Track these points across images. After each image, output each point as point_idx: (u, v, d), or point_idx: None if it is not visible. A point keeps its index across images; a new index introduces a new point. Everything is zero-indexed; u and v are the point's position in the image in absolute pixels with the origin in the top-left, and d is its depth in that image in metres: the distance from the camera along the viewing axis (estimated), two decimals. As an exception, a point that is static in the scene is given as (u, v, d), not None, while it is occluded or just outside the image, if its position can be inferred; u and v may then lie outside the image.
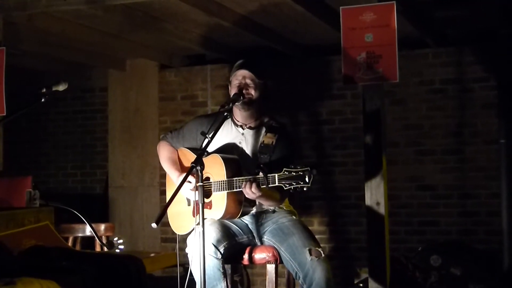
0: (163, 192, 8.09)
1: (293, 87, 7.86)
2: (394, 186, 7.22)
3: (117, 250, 3.57)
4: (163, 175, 8.04)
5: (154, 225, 3.54)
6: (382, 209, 4.96)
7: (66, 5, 5.74)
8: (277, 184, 4.05)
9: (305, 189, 3.99)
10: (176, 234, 4.63)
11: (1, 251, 2.89)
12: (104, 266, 2.85)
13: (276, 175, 4.05)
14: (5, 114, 5.77)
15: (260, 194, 4.10)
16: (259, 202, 4.42)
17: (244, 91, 4.49)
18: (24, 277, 2.51)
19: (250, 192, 4.10)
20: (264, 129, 4.56)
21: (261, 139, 4.51)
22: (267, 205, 4.46)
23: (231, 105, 4.42)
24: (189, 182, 4.21)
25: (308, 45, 7.82)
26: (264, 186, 4.09)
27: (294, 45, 7.72)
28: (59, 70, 8.36)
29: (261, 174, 4.10)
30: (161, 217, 3.62)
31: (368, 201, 5.01)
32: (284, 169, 4.03)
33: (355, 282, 7.10)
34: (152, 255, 3.45)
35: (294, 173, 4.00)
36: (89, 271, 2.75)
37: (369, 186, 5.00)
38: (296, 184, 3.99)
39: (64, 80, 4.70)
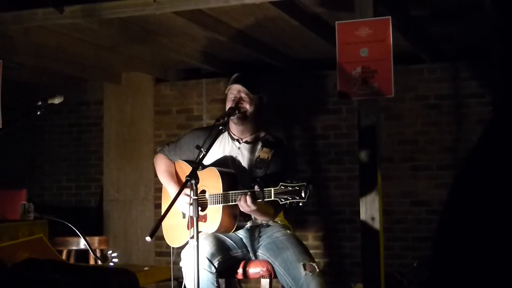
0: (158, 206, 8.08)
1: (288, 102, 7.86)
2: (389, 202, 7.22)
3: (111, 264, 3.56)
4: (157, 188, 8.04)
5: (148, 238, 3.53)
6: (377, 224, 4.95)
7: (62, 18, 5.75)
8: (273, 198, 4.05)
9: (300, 204, 3.99)
10: (170, 248, 4.63)
11: (-6, 264, 2.89)
12: (97, 280, 2.84)
13: (272, 189, 4.05)
14: (0, 127, 5.76)
15: (255, 208, 4.10)
16: (254, 217, 4.41)
17: (239, 105, 4.49)
18: (17, 290, 2.51)
19: (245, 205, 4.10)
20: (260, 144, 4.56)
21: (256, 153, 4.51)
22: (260, 219, 4.46)
23: (226, 118, 4.43)
24: (187, 195, 4.20)
25: (303, 60, 7.84)
26: (260, 200, 4.08)
27: (289, 60, 7.73)
28: (54, 83, 8.35)
29: (257, 188, 4.10)
30: (155, 230, 3.62)
31: (363, 216, 5.00)
32: (280, 183, 4.02)
33: (350, 297, 7.10)
34: (146, 268, 3.44)
35: (290, 188, 4.00)
36: (82, 285, 2.74)
37: (364, 201, 4.99)
38: (292, 199, 3.99)
39: (59, 93, 4.71)
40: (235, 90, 4.56)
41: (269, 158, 4.46)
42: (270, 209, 4.34)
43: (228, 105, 4.53)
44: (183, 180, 4.50)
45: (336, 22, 5.03)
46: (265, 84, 4.74)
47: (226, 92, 4.65)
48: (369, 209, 4.98)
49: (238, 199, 4.14)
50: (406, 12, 6.09)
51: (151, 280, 3.33)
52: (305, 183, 3.98)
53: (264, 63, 7.50)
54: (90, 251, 4.24)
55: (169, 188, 4.63)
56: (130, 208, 8.46)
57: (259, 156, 4.48)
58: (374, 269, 4.98)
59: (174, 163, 4.75)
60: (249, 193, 4.10)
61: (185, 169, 4.60)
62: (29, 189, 5.61)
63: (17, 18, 5.91)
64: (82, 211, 8.81)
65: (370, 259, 5.01)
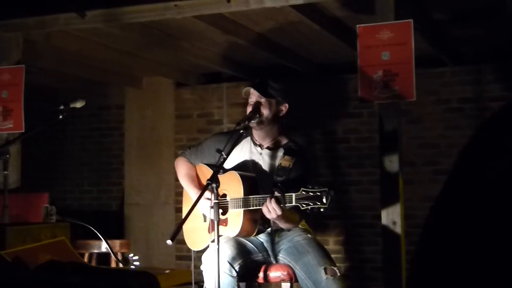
0: (179, 210, 8.10)
1: (308, 106, 7.85)
2: (410, 206, 7.18)
3: (132, 267, 3.57)
4: (178, 192, 8.05)
5: (169, 241, 3.53)
6: (398, 229, 4.92)
7: (84, 23, 5.79)
8: (294, 203, 4.04)
9: (322, 210, 3.97)
10: (191, 251, 4.63)
11: (17, 266, 2.90)
12: (118, 282, 2.85)
13: (294, 194, 4.03)
14: (23, 131, 5.81)
15: (280, 213, 4.06)
16: (272, 224, 4.39)
17: (257, 110, 4.49)
18: (39, 292, 2.52)
19: (270, 210, 4.06)
20: (282, 151, 4.54)
21: (278, 161, 4.49)
22: (285, 226, 4.43)
23: (246, 123, 4.42)
24: (208, 199, 4.20)
25: (324, 64, 7.83)
26: (282, 206, 4.06)
27: (310, 64, 7.73)
28: (76, 87, 8.39)
29: (277, 193, 4.08)
30: (176, 233, 3.62)
31: (385, 220, 4.97)
32: (301, 189, 4.01)
33: (371, 301, 7.07)
34: (167, 271, 3.44)
35: (311, 193, 3.98)
36: (103, 287, 2.75)
37: (386, 205, 4.96)
38: (313, 205, 3.97)
39: (81, 97, 4.73)
40: (252, 95, 4.56)
41: (291, 166, 4.44)
42: (295, 215, 4.33)
43: (248, 109, 4.53)
44: (204, 183, 4.51)
45: (357, 25, 5.01)
46: (283, 88, 4.71)
47: (244, 96, 4.65)
48: (391, 213, 4.95)
49: (263, 205, 4.11)
50: (427, 15, 6.06)
51: (172, 283, 3.33)
52: (326, 189, 3.96)
53: (284, 67, 7.49)
54: (111, 254, 4.26)
55: (190, 192, 4.63)
56: (151, 212, 8.48)
57: (281, 163, 4.47)
58: (395, 273, 4.95)
59: (195, 166, 4.75)
60: (273, 197, 4.07)
61: (206, 173, 4.59)
62: (51, 193, 5.64)
63: (39, 23, 5.96)
64: (103, 215, 8.84)
65: (391, 263, 4.98)
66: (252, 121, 4.45)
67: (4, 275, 2.84)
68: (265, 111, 4.50)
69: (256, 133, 4.60)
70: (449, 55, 7.21)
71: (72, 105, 4.70)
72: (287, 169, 4.43)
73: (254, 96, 4.54)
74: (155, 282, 2.99)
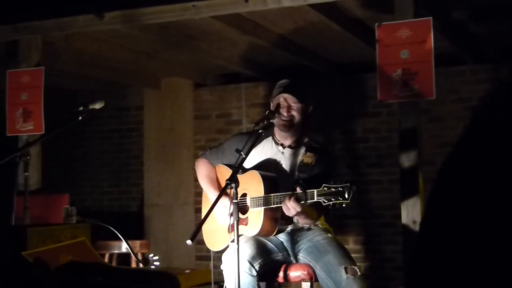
0: (198, 210, 8.10)
1: (327, 105, 7.83)
2: (430, 205, 7.15)
3: (153, 267, 3.58)
4: (198, 193, 8.05)
5: (189, 241, 3.54)
6: (418, 228, 4.91)
7: (102, 25, 5.81)
8: (315, 199, 4.03)
9: (344, 205, 3.97)
10: (210, 252, 4.64)
11: (38, 267, 2.91)
12: (139, 282, 2.86)
13: (315, 190, 4.03)
14: (43, 133, 5.83)
15: (299, 210, 4.08)
16: (295, 220, 4.40)
17: (286, 113, 4.47)
18: (61, 292, 2.53)
19: (289, 207, 4.07)
20: (304, 149, 4.54)
21: (300, 158, 4.50)
22: (303, 223, 4.44)
23: (266, 122, 4.41)
24: (225, 206, 4.22)
25: (343, 63, 7.81)
26: (303, 202, 4.07)
27: (328, 63, 7.71)
28: (95, 89, 8.42)
29: (299, 189, 4.08)
30: (196, 233, 3.62)
31: (405, 219, 4.95)
32: (323, 185, 4.01)
33: (391, 301, 7.05)
34: (187, 271, 3.45)
35: (333, 189, 3.98)
36: (124, 287, 2.76)
37: (406, 204, 4.95)
38: (335, 200, 3.97)
39: (100, 99, 4.75)
40: (283, 99, 4.53)
41: (313, 163, 4.44)
42: (314, 212, 4.33)
43: (284, 112, 4.51)
44: (223, 184, 4.51)
45: (376, 24, 5.00)
46: (310, 92, 4.71)
47: (272, 98, 4.62)
48: (411, 212, 4.93)
49: (283, 202, 4.12)
50: (447, 13, 6.03)
51: (192, 283, 3.34)
52: (348, 184, 3.97)
53: (303, 66, 7.48)
54: (131, 254, 4.27)
55: (210, 194, 4.63)
56: (170, 212, 8.50)
57: (303, 160, 4.47)
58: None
59: (215, 168, 4.75)
60: (292, 195, 4.08)
61: (225, 174, 4.58)
62: (71, 194, 5.66)
63: (58, 25, 5.99)
64: (123, 216, 8.86)
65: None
66: (272, 120, 4.44)
67: (26, 276, 2.85)
68: (297, 115, 4.49)
69: (278, 133, 4.60)
70: (469, 53, 7.17)
71: (91, 107, 4.71)
72: (309, 166, 4.43)
73: (284, 99, 4.51)
74: (175, 282, 2.99)
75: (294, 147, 4.59)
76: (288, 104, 4.50)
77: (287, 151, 4.57)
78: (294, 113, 4.50)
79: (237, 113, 8.38)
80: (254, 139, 4.28)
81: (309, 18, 5.88)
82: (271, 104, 4.60)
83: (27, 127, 5.97)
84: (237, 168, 4.05)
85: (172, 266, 7.65)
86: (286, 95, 4.52)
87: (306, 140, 4.64)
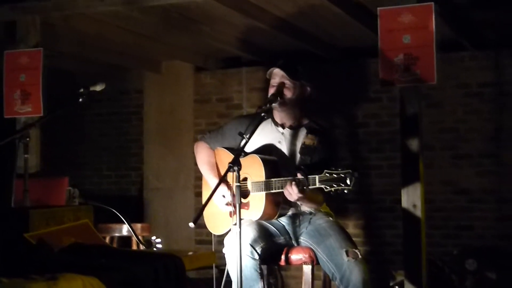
0: (198, 194, 8.10)
1: (329, 90, 7.83)
2: (430, 190, 7.14)
3: (155, 249, 3.58)
4: (198, 177, 8.06)
5: (191, 224, 3.54)
6: (418, 212, 4.92)
7: (103, 6, 5.79)
8: (317, 186, 4.03)
9: (346, 191, 3.97)
10: (211, 236, 4.64)
11: (42, 248, 2.91)
12: (143, 264, 2.86)
13: (317, 176, 4.02)
14: (42, 115, 5.81)
15: (301, 195, 4.08)
16: (296, 203, 4.40)
17: (280, 92, 4.47)
18: (66, 273, 2.53)
19: (292, 194, 4.08)
20: (305, 130, 4.54)
21: (301, 140, 4.49)
22: (308, 207, 4.44)
23: (268, 105, 4.40)
24: (223, 196, 4.23)
25: (345, 48, 7.80)
26: (304, 188, 4.07)
27: (330, 48, 7.70)
28: (94, 71, 8.40)
29: (300, 175, 4.08)
30: (199, 217, 3.63)
31: (405, 203, 4.96)
32: (325, 170, 4.00)
33: (391, 284, 7.06)
34: (190, 253, 3.45)
35: (335, 175, 3.98)
36: (129, 269, 2.76)
37: (406, 188, 4.96)
38: (337, 186, 3.96)
39: (101, 81, 4.73)
40: (277, 76, 4.53)
41: (315, 145, 4.44)
42: (319, 196, 4.33)
43: (271, 91, 4.51)
44: (222, 169, 4.51)
45: (378, 8, 4.99)
46: (306, 72, 4.69)
47: (267, 77, 4.62)
48: (411, 196, 4.95)
49: (284, 188, 4.12)
50: (448, -1, 6.02)
51: (196, 265, 3.34)
52: (350, 170, 3.96)
53: (305, 51, 7.47)
54: (134, 236, 4.27)
55: (210, 180, 4.62)
56: (170, 196, 8.51)
57: (304, 142, 4.46)
58: (416, 256, 4.95)
59: (214, 152, 4.73)
60: (294, 182, 4.07)
61: (224, 158, 4.57)
62: (70, 177, 5.65)
63: (58, 6, 5.95)
64: (122, 200, 8.87)
65: (411, 246, 4.99)
66: (274, 104, 4.43)
67: (29, 257, 2.85)
68: (289, 93, 4.48)
69: (277, 114, 4.58)
70: (469, 39, 7.17)
71: (92, 88, 4.68)
72: (311, 148, 4.43)
73: (278, 76, 4.51)
74: (180, 263, 2.99)
75: (295, 128, 4.57)
76: (281, 81, 4.49)
77: (287, 132, 4.56)
78: (287, 91, 4.48)
79: (237, 97, 8.38)
80: (257, 122, 4.27)
81: (311, 2, 5.87)
82: (270, 85, 4.60)
83: (26, 109, 5.95)
84: (240, 151, 4.04)
85: (175, 249, 7.68)
86: (278, 72, 4.51)
87: (306, 121, 4.63)
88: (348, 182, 3.94)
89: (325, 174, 4.01)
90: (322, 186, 4.01)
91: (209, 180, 4.63)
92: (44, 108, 5.86)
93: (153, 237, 3.63)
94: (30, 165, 5.06)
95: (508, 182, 7.28)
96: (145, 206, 8.64)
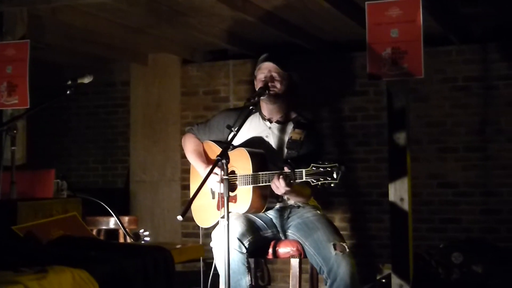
0: (185, 187, 8.12)
1: (315, 83, 7.84)
2: (416, 183, 7.19)
3: (143, 242, 3.58)
4: (184, 170, 8.07)
5: (179, 217, 3.53)
6: (406, 205, 4.94)
7: (91, -3, 5.76)
8: (304, 179, 4.03)
9: (332, 185, 3.97)
10: (197, 229, 4.63)
11: (30, 240, 2.91)
12: (133, 257, 2.85)
13: (304, 170, 4.02)
14: (29, 107, 5.79)
15: (289, 189, 4.08)
16: (284, 197, 4.40)
17: (269, 84, 4.47)
18: (55, 266, 2.52)
19: (279, 188, 4.08)
20: (292, 125, 4.53)
21: (288, 134, 4.49)
22: (296, 200, 4.45)
23: (256, 99, 4.40)
24: (216, 174, 4.18)
25: (332, 41, 7.80)
26: (291, 181, 4.07)
27: (317, 41, 7.70)
28: (81, 64, 8.37)
29: (287, 169, 4.08)
30: (187, 209, 3.62)
31: (392, 197, 4.98)
32: (312, 164, 4.00)
33: (377, 278, 7.08)
34: (178, 246, 3.45)
35: (322, 169, 3.98)
36: (118, 261, 2.75)
37: (393, 182, 4.97)
38: (323, 180, 3.96)
39: (89, 73, 4.71)
40: (265, 69, 4.52)
41: (302, 139, 4.43)
42: (306, 189, 4.33)
43: (259, 85, 4.50)
44: (212, 159, 4.50)
45: (366, 3, 5.00)
46: (293, 65, 4.69)
47: (255, 73, 4.62)
48: (398, 190, 4.96)
49: (271, 181, 4.12)
50: (435, -7, 6.04)
51: (185, 258, 3.34)
52: (337, 164, 3.96)
53: (292, 44, 7.47)
54: (122, 229, 4.26)
55: (198, 167, 4.61)
56: (156, 189, 8.50)
57: (291, 137, 4.46)
58: (402, 249, 4.97)
59: (202, 143, 4.73)
60: (281, 176, 4.07)
61: (214, 149, 4.58)
62: (55, 170, 5.63)
63: (45, -3, 5.93)
64: (108, 192, 8.83)
65: (398, 239, 5.01)
66: (262, 97, 4.43)
67: (17, 250, 2.85)
68: (278, 85, 4.47)
69: (266, 108, 4.58)
70: (456, 33, 7.19)
71: (80, 81, 4.66)
72: (298, 142, 4.42)
73: (266, 70, 4.50)
74: (169, 256, 3.00)
75: (282, 122, 4.57)
76: (270, 74, 4.48)
77: (275, 126, 4.56)
78: (277, 83, 4.48)
79: (224, 90, 8.38)
80: (245, 115, 4.27)
81: (299, -5, 5.88)
82: (255, 83, 4.59)
83: (12, 101, 5.92)
84: (228, 144, 4.04)
85: (163, 242, 7.67)
86: (268, 65, 4.51)
87: (294, 115, 4.62)
88: (334, 176, 3.95)
89: (312, 167, 4.01)
90: (309, 179, 4.01)
91: (198, 167, 4.61)
92: (31, 100, 5.83)
93: (141, 230, 3.64)
94: (16, 157, 5.03)
95: (494, 176, 7.31)
96: (131, 199, 8.62)
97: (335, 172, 3.95)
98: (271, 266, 7.96)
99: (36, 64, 6.01)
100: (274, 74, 4.48)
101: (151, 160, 8.53)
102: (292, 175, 4.06)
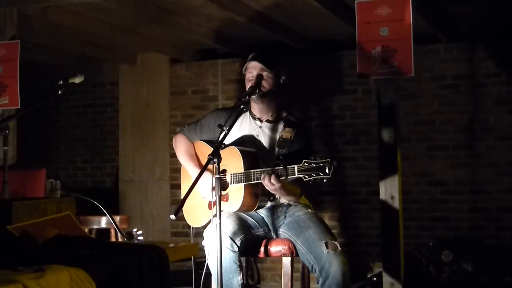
0: (174, 186, 8.13)
1: (304, 82, 7.86)
2: (405, 182, 7.20)
3: (136, 241, 3.58)
4: (173, 169, 8.07)
5: (172, 216, 3.54)
6: (396, 203, 4.95)
7: (81, -3, 5.76)
8: (296, 175, 4.04)
9: (325, 180, 3.98)
10: (186, 228, 4.64)
11: (26, 240, 2.91)
12: (128, 255, 2.86)
13: (296, 166, 4.03)
14: (19, 107, 5.78)
15: (279, 185, 4.09)
16: (276, 196, 4.42)
17: (259, 84, 4.47)
18: (53, 265, 2.53)
19: (270, 184, 4.09)
20: (282, 124, 4.54)
21: (279, 133, 4.49)
22: (286, 199, 4.45)
23: (247, 98, 4.41)
24: (208, 176, 4.21)
25: (320, 40, 7.82)
26: (284, 178, 4.08)
27: (306, 40, 7.72)
28: (70, 63, 8.36)
29: (279, 165, 4.09)
30: (180, 208, 3.62)
31: (383, 195, 4.98)
32: (304, 160, 4.01)
33: (368, 276, 7.10)
34: (172, 245, 3.45)
35: (314, 165, 3.99)
36: (114, 260, 2.76)
37: (384, 180, 4.98)
38: (316, 176, 3.97)
39: (80, 73, 4.72)
40: (253, 69, 4.53)
41: (292, 137, 4.44)
42: (296, 188, 4.34)
43: (248, 84, 4.51)
44: (202, 161, 4.51)
45: (356, 1, 5.00)
46: (282, 64, 4.71)
47: (244, 72, 4.63)
48: (389, 188, 4.97)
49: (262, 178, 4.13)
50: (425, -9, 6.06)
51: (179, 257, 3.34)
52: (329, 159, 3.98)
53: (281, 43, 7.48)
54: (114, 228, 4.26)
55: (191, 170, 4.62)
56: (145, 188, 8.50)
57: (282, 136, 4.47)
58: (393, 247, 4.98)
59: (193, 144, 4.74)
60: (273, 172, 4.09)
61: (204, 150, 4.58)
62: (46, 169, 5.62)
63: (35, -3, 5.91)
64: (97, 192, 8.82)
65: (389, 237, 5.01)
66: (253, 96, 4.44)
67: (13, 249, 2.85)
68: (267, 84, 4.48)
69: (255, 107, 4.59)
70: (444, 32, 7.22)
71: (71, 80, 4.67)
72: (288, 141, 4.43)
73: (254, 69, 4.51)
74: (164, 255, 3.00)
75: (272, 122, 4.58)
76: (258, 73, 4.49)
77: (265, 126, 4.57)
78: (265, 82, 4.49)
79: (213, 89, 8.38)
80: (236, 114, 4.27)
81: (288, -6, 5.89)
82: (245, 80, 4.60)
83: (2, 101, 5.90)
84: (220, 143, 4.04)
85: (155, 241, 7.66)
86: (255, 64, 4.52)
87: (284, 114, 4.63)
88: (327, 171, 3.96)
89: (304, 163, 4.02)
90: (301, 175, 4.02)
91: (190, 169, 4.62)
92: (20, 99, 5.83)
93: (134, 229, 3.64)
94: (7, 157, 5.03)
95: (483, 174, 7.35)
96: (120, 198, 8.62)
97: (327, 168, 3.97)
98: (261, 265, 7.97)
99: (25, 64, 5.99)
100: (263, 73, 4.49)
101: (140, 159, 8.53)
102: (284, 172, 4.07)
